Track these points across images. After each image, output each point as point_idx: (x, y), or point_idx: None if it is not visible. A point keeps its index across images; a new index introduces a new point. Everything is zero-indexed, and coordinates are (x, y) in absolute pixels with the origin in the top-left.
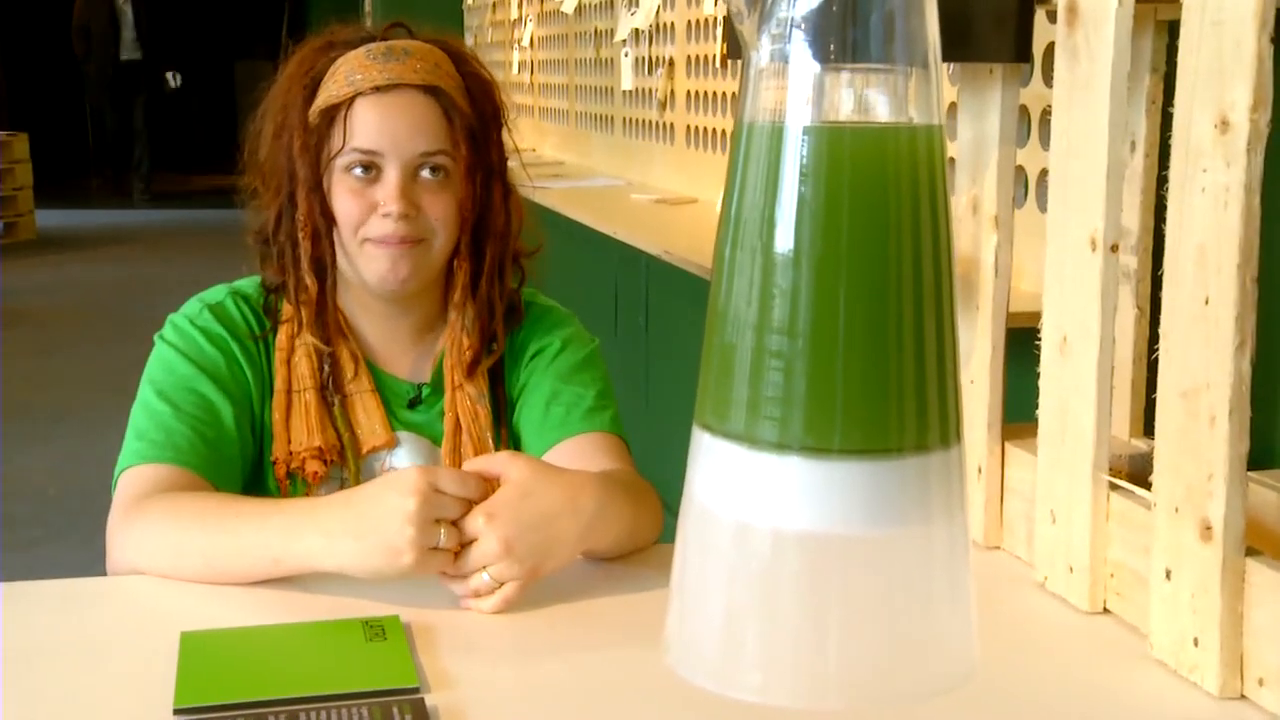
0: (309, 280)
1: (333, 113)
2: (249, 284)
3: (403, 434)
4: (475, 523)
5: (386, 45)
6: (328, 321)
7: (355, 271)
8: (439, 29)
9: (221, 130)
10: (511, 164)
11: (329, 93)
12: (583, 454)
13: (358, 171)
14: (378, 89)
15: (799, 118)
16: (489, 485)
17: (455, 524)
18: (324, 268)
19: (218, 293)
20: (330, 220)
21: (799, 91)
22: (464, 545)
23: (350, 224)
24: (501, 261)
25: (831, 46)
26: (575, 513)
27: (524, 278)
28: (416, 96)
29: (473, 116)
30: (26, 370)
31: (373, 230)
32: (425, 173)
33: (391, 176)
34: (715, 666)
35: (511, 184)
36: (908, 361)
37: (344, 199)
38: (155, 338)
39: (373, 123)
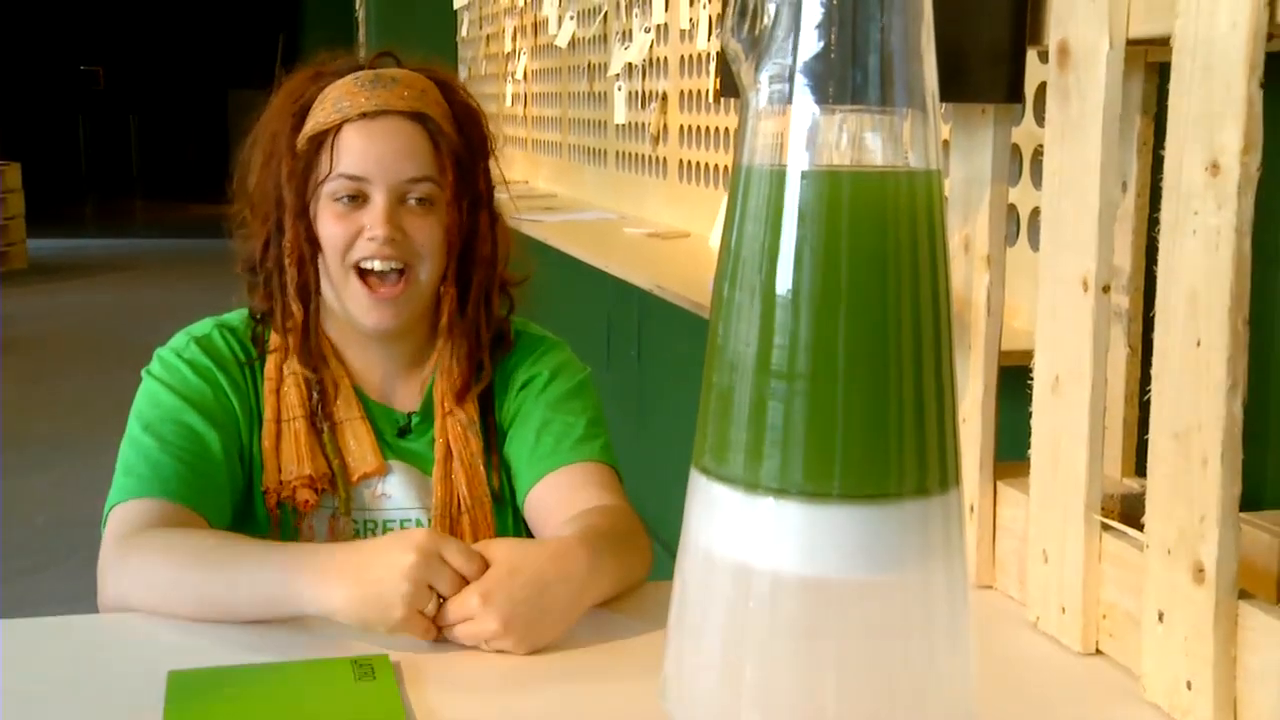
0: (295, 307)
1: (320, 139)
2: (236, 317)
3: (394, 462)
4: (470, 602)
5: (374, 73)
6: (314, 349)
7: (340, 304)
8: (427, 58)
9: (215, 158)
10: (500, 195)
11: (316, 119)
12: (573, 484)
13: (344, 199)
14: (365, 115)
15: (798, 161)
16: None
17: (444, 600)
18: (309, 294)
19: (204, 326)
20: (316, 246)
21: (798, 134)
22: (450, 625)
23: (336, 249)
24: (488, 289)
25: (830, 90)
26: (565, 579)
27: (512, 306)
28: (403, 123)
29: (460, 144)
30: (16, 398)
31: (359, 253)
32: (412, 200)
33: (378, 202)
34: (713, 710)
35: (498, 212)
36: (907, 405)
37: (330, 224)
38: (142, 373)
39: (359, 149)
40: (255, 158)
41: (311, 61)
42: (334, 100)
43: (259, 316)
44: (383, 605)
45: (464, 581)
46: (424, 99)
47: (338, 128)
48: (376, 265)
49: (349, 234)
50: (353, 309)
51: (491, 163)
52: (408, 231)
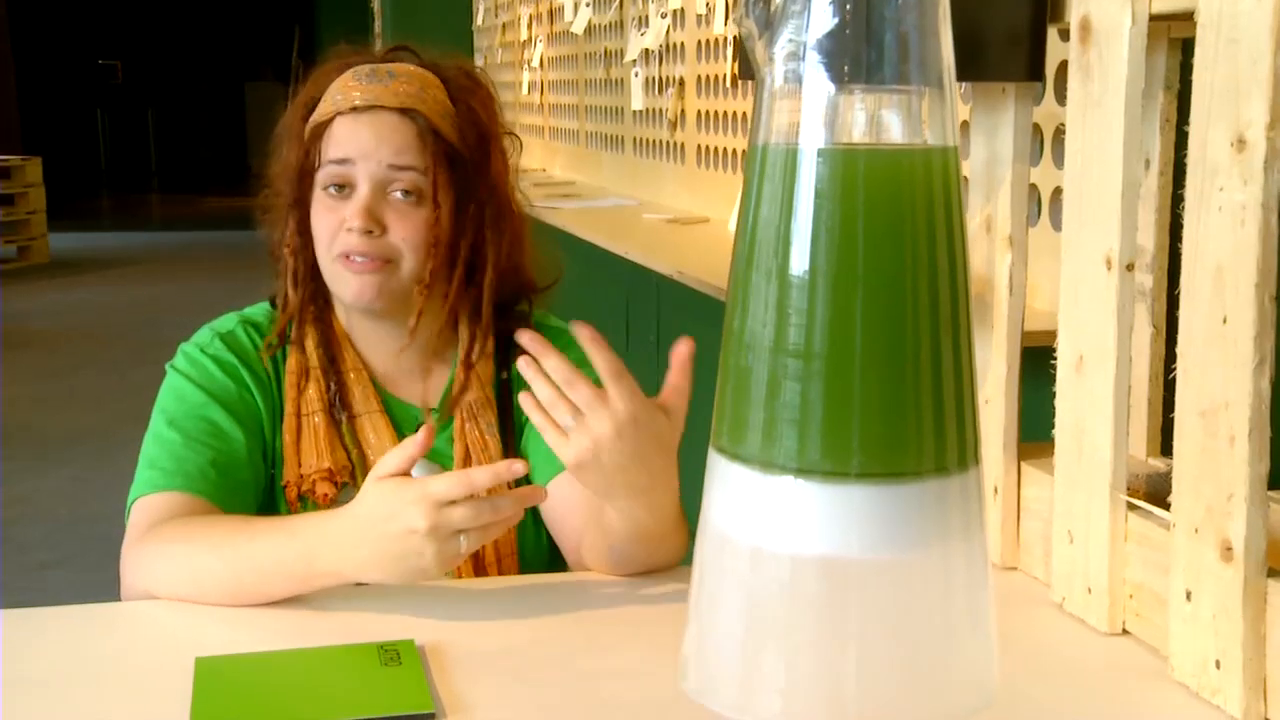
0: (290, 293)
1: (319, 130)
2: (259, 311)
3: None
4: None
5: (371, 67)
6: (325, 337)
7: (330, 289)
8: (447, 53)
9: (231, 152)
10: (517, 194)
11: (319, 111)
12: None
13: (332, 189)
14: (355, 109)
15: (813, 140)
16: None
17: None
18: (299, 281)
19: (228, 321)
20: (309, 238)
21: (813, 113)
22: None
23: (322, 241)
24: (500, 290)
25: (845, 67)
26: (667, 450)
27: (532, 304)
28: (391, 117)
29: (457, 143)
30: (38, 393)
31: (339, 246)
32: (397, 194)
33: (361, 191)
34: (733, 692)
35: (509, 213)
36: (925, 384)
37: (319, 216)
38: (167, 367)
39: (344, 136)
40: (279, 146)
41: (338, 52)
42: (333, 93)
43: (275, 303)
44: (418, 573)
45: (481, 500)
46: (421, 96)
47: (331, 120)
48: (356, 259)
49: (334, 226)
50: (339, 290)
51: (504, 162)
52: (388, 225)
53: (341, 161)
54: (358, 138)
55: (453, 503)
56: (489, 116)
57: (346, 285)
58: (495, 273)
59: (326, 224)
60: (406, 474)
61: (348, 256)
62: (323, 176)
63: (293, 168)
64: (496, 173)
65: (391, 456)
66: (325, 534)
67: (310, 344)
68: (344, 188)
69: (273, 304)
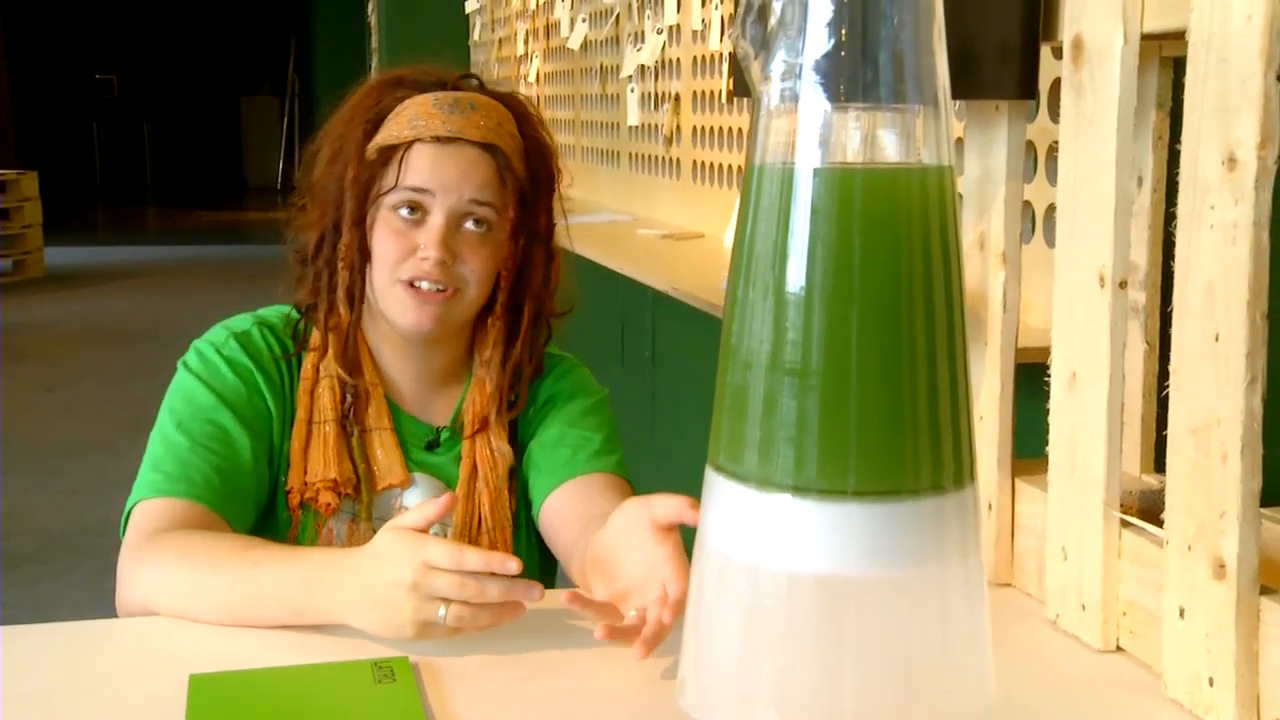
0: (342, 309)
1: (390, 153)
2: (274, 313)
3: (417, 474)
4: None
5: (454, 96)
6: (352, 352)
7: (381, 307)
8: (510, 87)
9: (227, 165)
10: (559, 225)
11: (389, 132)
12: (587, 494)
13: (404, 212)
14: (438, 139)
15: (810, 159)
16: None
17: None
18: (354, 300)
19: (243, 321)
20: (366, 256)
21: (809, 132)
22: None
23: (387, 264)
24: (536, 321)
25: (841, 87)
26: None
27: (550, 335)
28: (474, 152)
29: (526, 179)
30: (32, 406)
31: (407, 271)
32: (469, 224)
33: (436, 220)
34: (731, 709)
35: (556, 249)
36: (921, 401)
37: (385, 238)
38: (179, 363)
39: (426, 167)
40: (324, 152)
41: (397, 67)
42: (410, 117)
43: (303, 310)
44: (394, 627)
45: (468, 578)
46: (499, 130)
47: (409, 145)
48: (424, 286)
49: (403, 250)
50: (396, 315)
51: (556, 199)
52: (460, 255)
53: (420, 190)
54: (440, 170)
55: (444, 571)
56: (550, 151)
57: (406, 312)
58: (538, 303)
59: (394, 247)
60: (424, 532)
61: (412, 283)
62: (394, 200)
63: (359, 185)
64: (552, 207)
65: (412, 514)
66: (328, 565)
67: (332, 351)
68: (415, 212)
69: (298, 310)
